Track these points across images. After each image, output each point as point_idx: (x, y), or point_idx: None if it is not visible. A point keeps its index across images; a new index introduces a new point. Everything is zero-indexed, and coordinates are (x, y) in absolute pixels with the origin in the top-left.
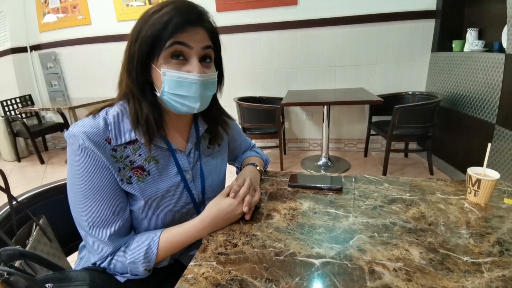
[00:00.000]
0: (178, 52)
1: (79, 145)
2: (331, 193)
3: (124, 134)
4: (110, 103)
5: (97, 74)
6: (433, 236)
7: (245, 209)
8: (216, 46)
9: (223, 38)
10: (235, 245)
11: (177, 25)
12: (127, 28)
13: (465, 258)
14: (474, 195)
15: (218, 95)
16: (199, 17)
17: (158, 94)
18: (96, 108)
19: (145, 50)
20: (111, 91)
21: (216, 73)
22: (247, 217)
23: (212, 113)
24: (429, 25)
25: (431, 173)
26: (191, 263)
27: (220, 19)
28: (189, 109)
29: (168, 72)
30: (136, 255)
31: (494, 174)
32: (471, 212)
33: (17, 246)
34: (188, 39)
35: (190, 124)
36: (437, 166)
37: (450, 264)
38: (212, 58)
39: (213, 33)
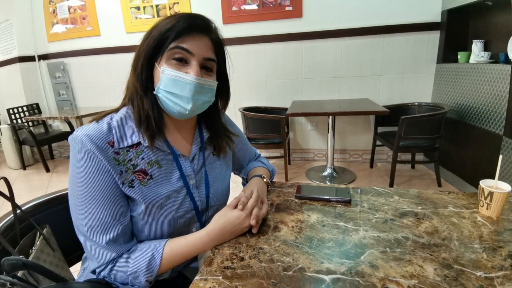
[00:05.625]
0: (179, 56)
1: (82, 148)
2: (339, 205)
3: (127, 137)
4: (114, 109)
5: (105, 84)
6: (447, 252)
7: (252, 222)
8: (220, 59)
9: (229, 50)
10: (242, 259)
11: (183, 28)
12: (135, 40)
13: (479, 273)
14: (487, 208)
15: (222, 110)
16: (205, 25)
17: (155, 92)
18: (100, 114)
19: (151, 48)
20: (118, 101)
21: (216, 83)
22: (254, 230)
23: (215, 127)
24: (434, 37)
25: (439, 185)
26: (197, 277)
27: (226, 31)
28: (181, 109)
29: (167, 70)
30: (138, 264)
31: (506, 187)
32: (484, 225)
33: (20, 256)
34: (191, 46)
35: (193, 130)
36: (445, 178)
37: (464, 280)
38: (214, 69)
39: (218, 45)
